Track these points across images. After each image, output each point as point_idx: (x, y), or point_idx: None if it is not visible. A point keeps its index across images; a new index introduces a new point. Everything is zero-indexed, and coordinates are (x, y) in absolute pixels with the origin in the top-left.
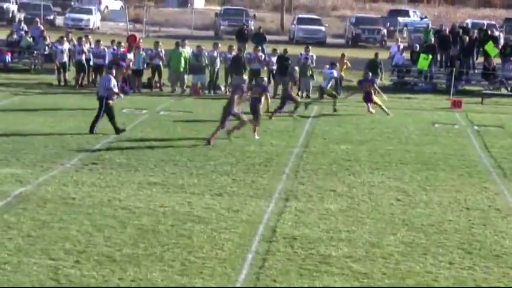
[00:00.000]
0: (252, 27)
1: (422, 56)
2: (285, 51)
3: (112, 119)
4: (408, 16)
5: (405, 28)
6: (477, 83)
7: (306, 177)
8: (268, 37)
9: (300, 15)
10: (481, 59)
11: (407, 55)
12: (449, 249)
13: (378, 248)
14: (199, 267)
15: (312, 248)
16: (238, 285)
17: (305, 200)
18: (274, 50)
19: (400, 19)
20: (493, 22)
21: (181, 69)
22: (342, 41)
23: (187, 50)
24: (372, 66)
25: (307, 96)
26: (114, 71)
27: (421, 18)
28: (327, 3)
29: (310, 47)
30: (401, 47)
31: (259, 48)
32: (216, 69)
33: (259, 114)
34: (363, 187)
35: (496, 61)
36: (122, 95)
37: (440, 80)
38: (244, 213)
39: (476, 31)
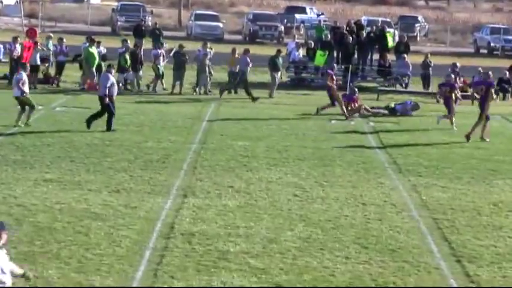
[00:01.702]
0: (150, 23)
1: (319, 52)
2: (181, 46)
3: (111, 115)
4: (305, 13)
5: (302, 25)
6: (373, 80)
7: (204, 174)
8: (165, 33)
9: (197, 11)
10: (376, 56)
11: (304, 52)
12: (345, 244)
13: (276, 243)
14: (96, 264)
15: (210, 244)
16: (136, 282)
17: (203, 196)
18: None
19: (297, 16)
20: (388, 19)
21: (95, 66)
22: (239, 37)
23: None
24: (274, 63)
25: (205, 93)
26: (113, 70)
27: (318, 15)
28: None
29: (208, 43)
30: (299, 43)
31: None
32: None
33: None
34: (261, 183)
35: (391, 58)
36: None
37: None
38: (142, 209)
39: (373, 28)
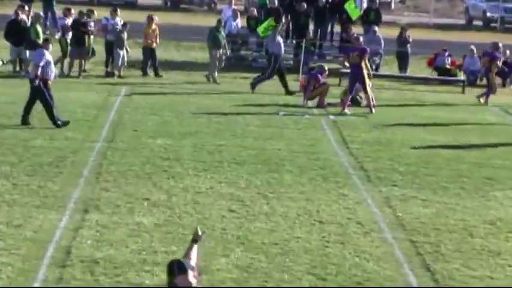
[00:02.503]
0: None
1: (268, 20)
2: (82, 13)
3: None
4: None
5: None
6: (333, 60)
7: (112, 182)
8: None
9: None
10: (338, 29)
11: (243, 21)
12: (297, 275)
13: (206, 273)
14: None
15: (119, 274)
16: None
17: (110, 211)
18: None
19: None
20: None
21: None
22: (159, 1)
23: None
24: (214, 37)
25: (118, 76)
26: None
27: None
28: None
29: (118, 10)
30: (236, 11)
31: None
32: None
33: None
34: (186, 194)
35: (357, 31)
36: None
37: (286, 55)
38: (29, 229)
39: None
